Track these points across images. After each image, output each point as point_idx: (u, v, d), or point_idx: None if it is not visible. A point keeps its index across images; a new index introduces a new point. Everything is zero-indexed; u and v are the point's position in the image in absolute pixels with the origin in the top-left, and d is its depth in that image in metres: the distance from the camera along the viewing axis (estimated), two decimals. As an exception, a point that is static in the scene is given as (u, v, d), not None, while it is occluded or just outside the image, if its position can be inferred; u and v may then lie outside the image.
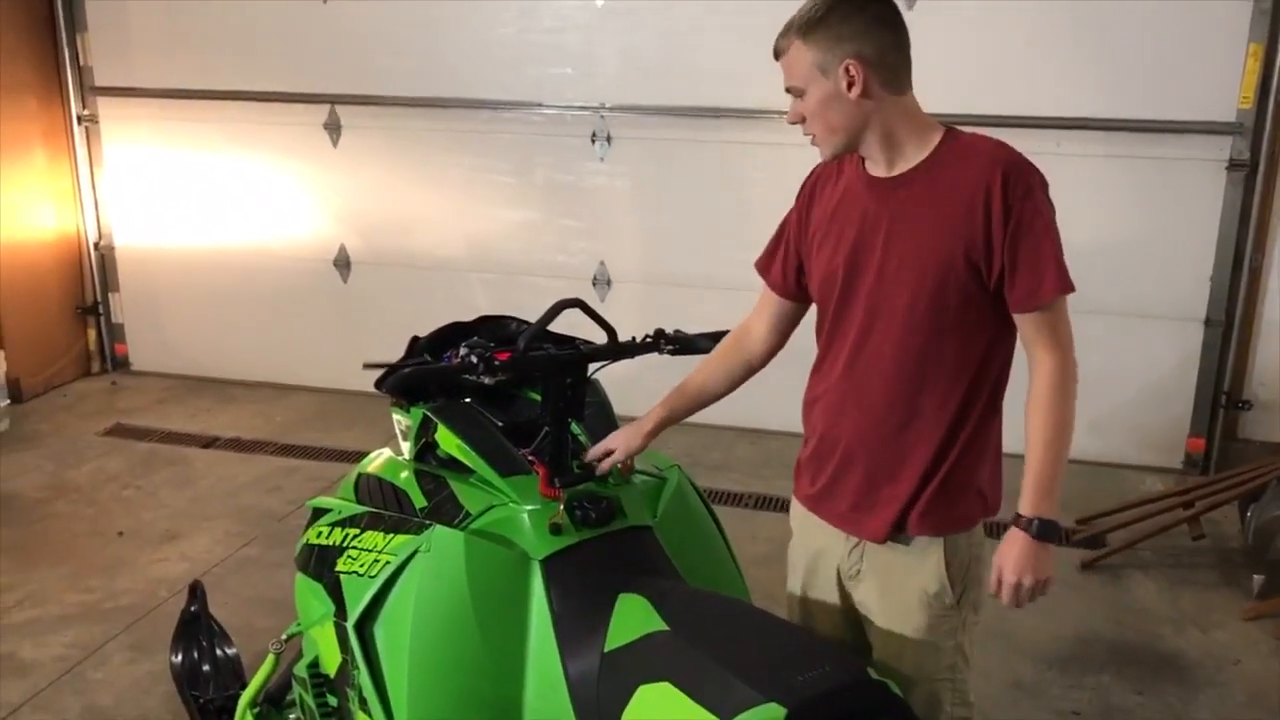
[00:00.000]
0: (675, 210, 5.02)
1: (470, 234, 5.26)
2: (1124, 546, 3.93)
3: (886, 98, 1.86)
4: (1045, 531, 1.84)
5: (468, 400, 2.22)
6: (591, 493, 2.02)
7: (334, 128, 5.28)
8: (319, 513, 2.29)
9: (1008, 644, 3.34)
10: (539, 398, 2.17)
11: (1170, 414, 4.71)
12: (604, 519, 1.97)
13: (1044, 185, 1.85)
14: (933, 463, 1.92)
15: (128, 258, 5.77)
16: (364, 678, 1.95)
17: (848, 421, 1.98)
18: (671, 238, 5.05)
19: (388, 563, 1.97)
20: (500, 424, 2.17)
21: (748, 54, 4.58)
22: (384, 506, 2.16)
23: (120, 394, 5.60)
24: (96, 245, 5.74)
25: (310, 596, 2.18)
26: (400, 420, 2.30)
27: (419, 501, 2.10)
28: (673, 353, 2.29)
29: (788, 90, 1.91)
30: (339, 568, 2.08)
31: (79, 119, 5.57)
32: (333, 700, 2.19)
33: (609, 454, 2.07)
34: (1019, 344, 1.92)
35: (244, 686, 2.59)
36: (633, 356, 2.25)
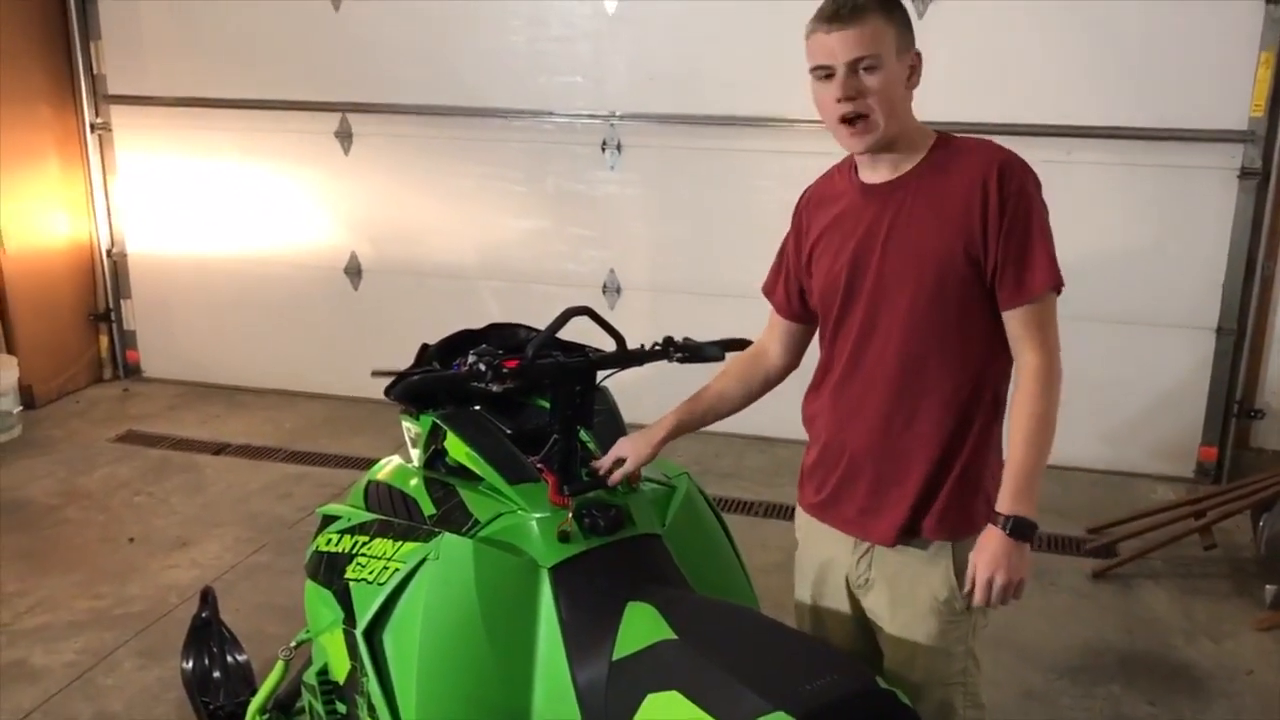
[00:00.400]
0: (685, 218, 5.03)
1: (481, 242, 5.27)
2: (1135, 556, 3.91)
3: (911, 99, 1.90)
4: (1020, 530, 1.84)
5: (477, 408, 2.22)
6: (600, 501, 2.02)
7: (345, 136, 5.30)
8: (329, 520, 2.29)
9: (1018, 654, 3.33)
10: (548, 405, 2.17)
11: (1182, 423, 4.69)
12: (613, 527, 1.96)
13: (1038, 184, 1.87)
14: (939, 465, 1.92)
15: (140, 265, 5.79)
16: (373, 685, 1.95)
17: (852, 427, 1.98)
18: (681, 246, 5.06)
19: (397, 570, 1.97)
20: (509, 431, 2.17)
21: (758, 62, 4.64)
22: (393, 514, 2.16)
23: (132, 400, 5.63)
24: (109, 253, 5.77)
25: (320, 603, 2.18)
26: (409, 427, 2.30)
27: (428, 509, 2.10)
28: (682, 360, 2.28)
29: (855, 62, 1.80)
30: (348, 575, 2.09)
31: (92, 127, 5.60)
32: (342, 707, 2.19)
33: (619, 463, 2.07)
34: None
35: (254, 693, 2.60)
36: (642, 364, 2.24)
